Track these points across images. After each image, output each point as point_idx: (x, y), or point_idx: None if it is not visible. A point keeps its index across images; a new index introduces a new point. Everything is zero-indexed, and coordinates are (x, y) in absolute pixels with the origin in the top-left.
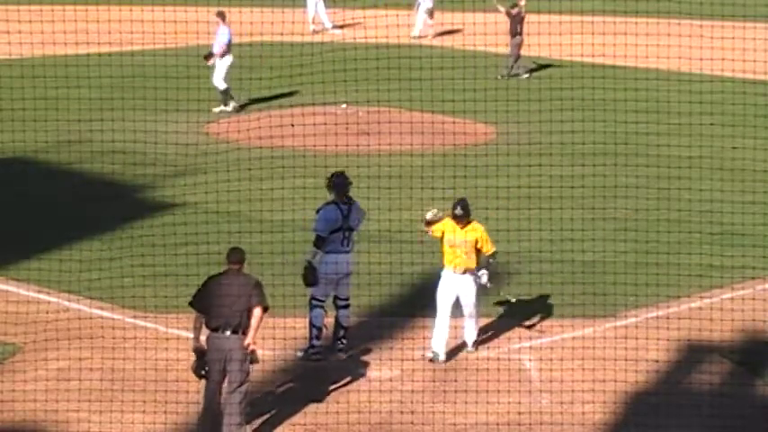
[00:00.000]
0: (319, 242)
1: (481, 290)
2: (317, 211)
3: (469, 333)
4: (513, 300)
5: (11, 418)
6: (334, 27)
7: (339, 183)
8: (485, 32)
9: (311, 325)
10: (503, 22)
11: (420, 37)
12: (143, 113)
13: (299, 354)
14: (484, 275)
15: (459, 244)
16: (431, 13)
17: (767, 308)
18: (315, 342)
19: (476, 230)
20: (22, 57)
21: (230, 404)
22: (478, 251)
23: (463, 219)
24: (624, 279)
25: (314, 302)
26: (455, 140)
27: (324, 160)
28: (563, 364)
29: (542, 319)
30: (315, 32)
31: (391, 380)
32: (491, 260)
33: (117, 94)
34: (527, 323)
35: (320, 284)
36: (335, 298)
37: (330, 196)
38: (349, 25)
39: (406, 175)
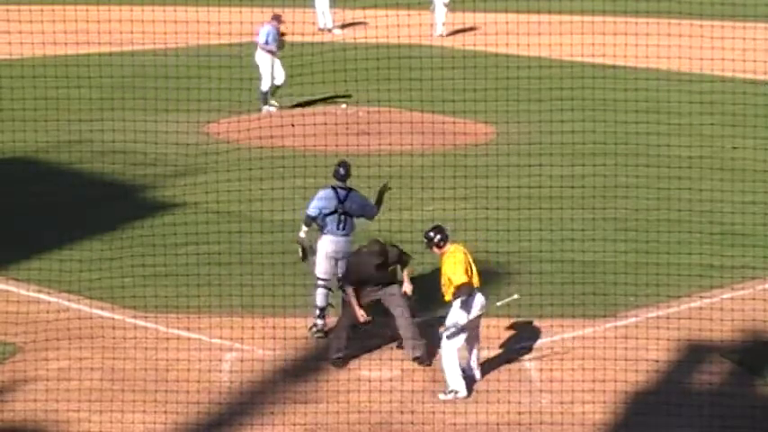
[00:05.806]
0: (306, 220)
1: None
2: None
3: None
4: (516, 296)
5: (11, 418)
6: (336, 27)
7: (335, 169)
8: (485, 32)
9: (314, 305)
10: (503, 22)
11: (442, 35)
12: (143, 113)
13: (314, 332)
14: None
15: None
16: (447, 8)
17: (767, 308)
18: (317, 321)
19: (443, 263)
20: (22, 57)
21: (343, 301)
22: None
23: (430, 248)
24: (624, 279)
25: (318, 282)
26: (455, 140)
27: (324, 160)
28: (563, 364)
29: (542, 318)
30: (321, 31)
31: (391, 380)
32: (461, 293)
33: (117, 94)
34: (525, 321)
35: (320, 262)
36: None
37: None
38: (350, 25)
39: (406, 175)
